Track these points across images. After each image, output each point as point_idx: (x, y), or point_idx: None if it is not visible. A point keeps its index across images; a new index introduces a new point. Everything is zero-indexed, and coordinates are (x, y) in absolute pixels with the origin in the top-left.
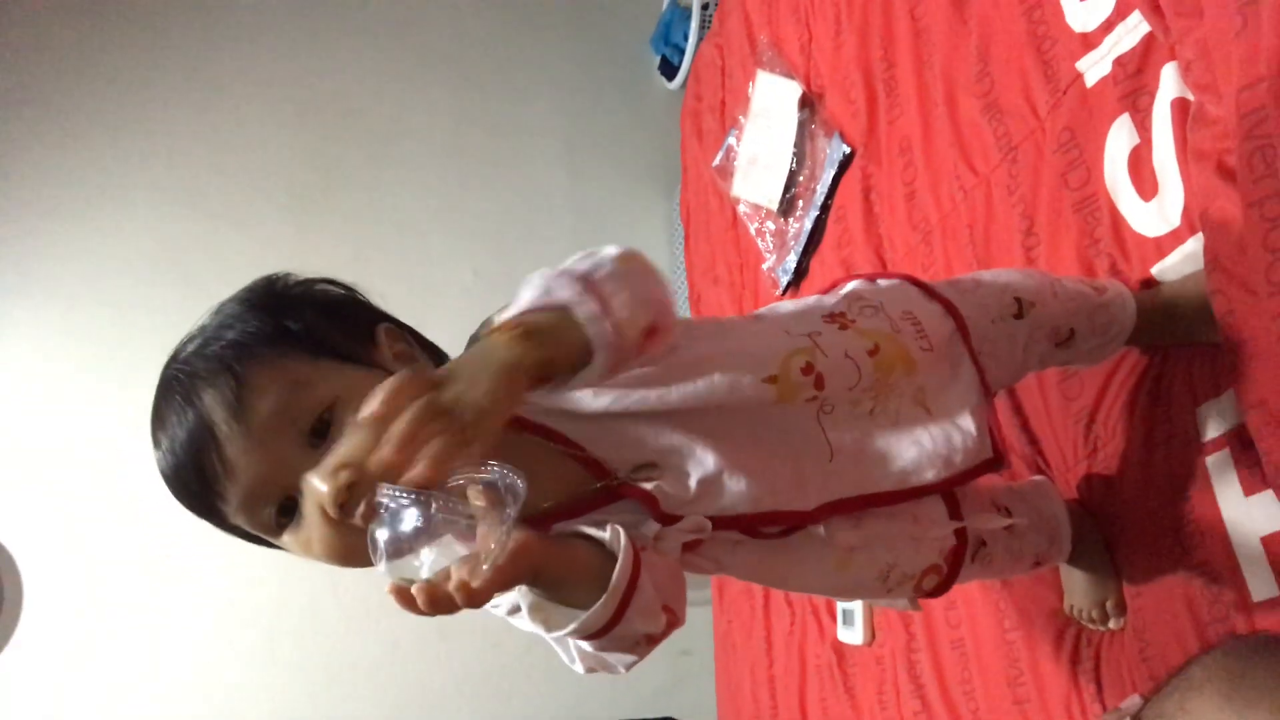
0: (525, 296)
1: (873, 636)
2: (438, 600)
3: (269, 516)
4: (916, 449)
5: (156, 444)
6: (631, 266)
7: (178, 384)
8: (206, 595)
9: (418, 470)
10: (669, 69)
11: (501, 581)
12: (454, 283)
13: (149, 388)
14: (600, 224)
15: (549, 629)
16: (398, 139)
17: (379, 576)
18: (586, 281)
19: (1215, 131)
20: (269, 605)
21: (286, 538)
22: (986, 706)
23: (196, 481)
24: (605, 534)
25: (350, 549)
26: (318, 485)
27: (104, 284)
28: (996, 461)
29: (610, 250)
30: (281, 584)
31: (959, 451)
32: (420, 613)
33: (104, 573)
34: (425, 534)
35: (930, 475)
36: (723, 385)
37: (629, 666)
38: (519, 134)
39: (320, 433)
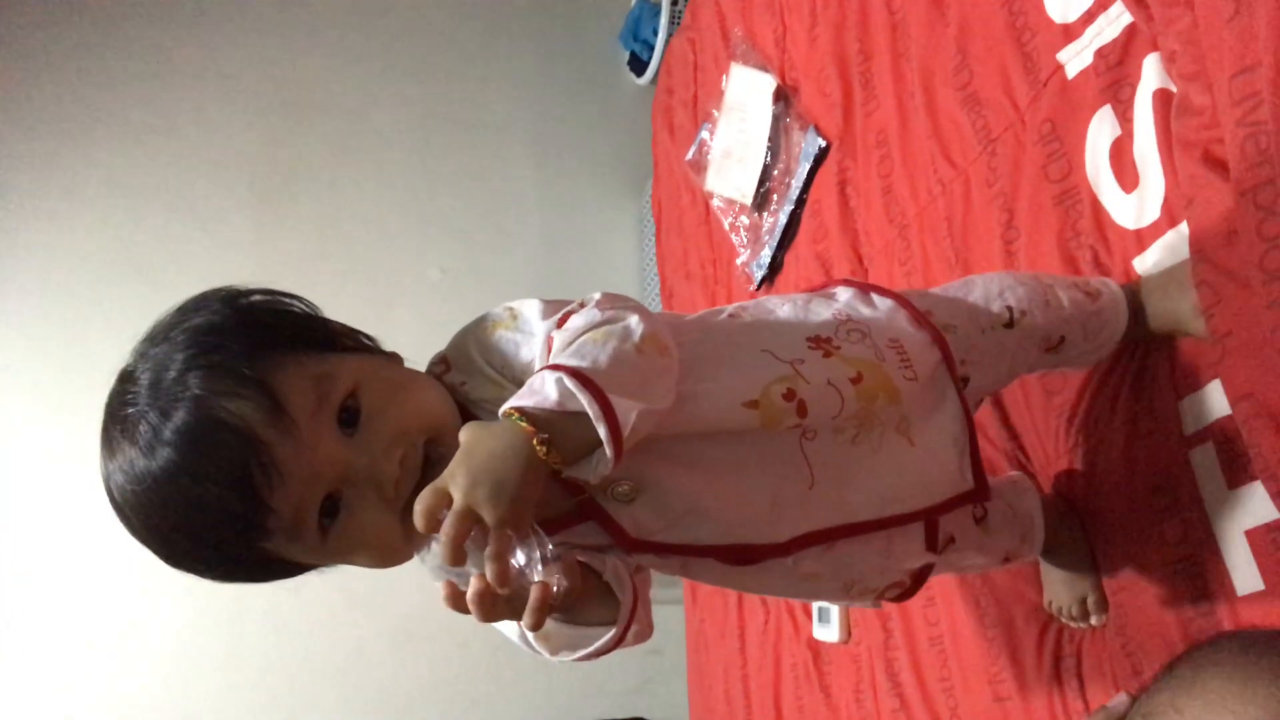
0: (550, 395)
1: (849, 635)
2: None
3: (315, 519)
4: (897, 478)
5: (158, 490)
6: (647, 359)
7: (186, 410)
8: (167, 598)
9: (490, 574)
10: (638, 65)
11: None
12: (420, 280)
13: (105, 384)
14: (569, 221)
15: (553, 653)
16: (362, 133)
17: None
18: (606, 399)
19: (1201, 121)
20: (230, 608)
21: (331, 541)
22: (966, 704)
23: (240, 501)
24: (605, 569)
25: (401, 536)
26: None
27: (58, 278)
28: (977, 493)
29: (633, 327)
30: (242, 588)
31: (938, 482)
32: (460, 606)
33: (58, 582)
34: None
35: (910, 505)
36: (705, 413)
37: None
38: (486, 130)
39: (348, 422)
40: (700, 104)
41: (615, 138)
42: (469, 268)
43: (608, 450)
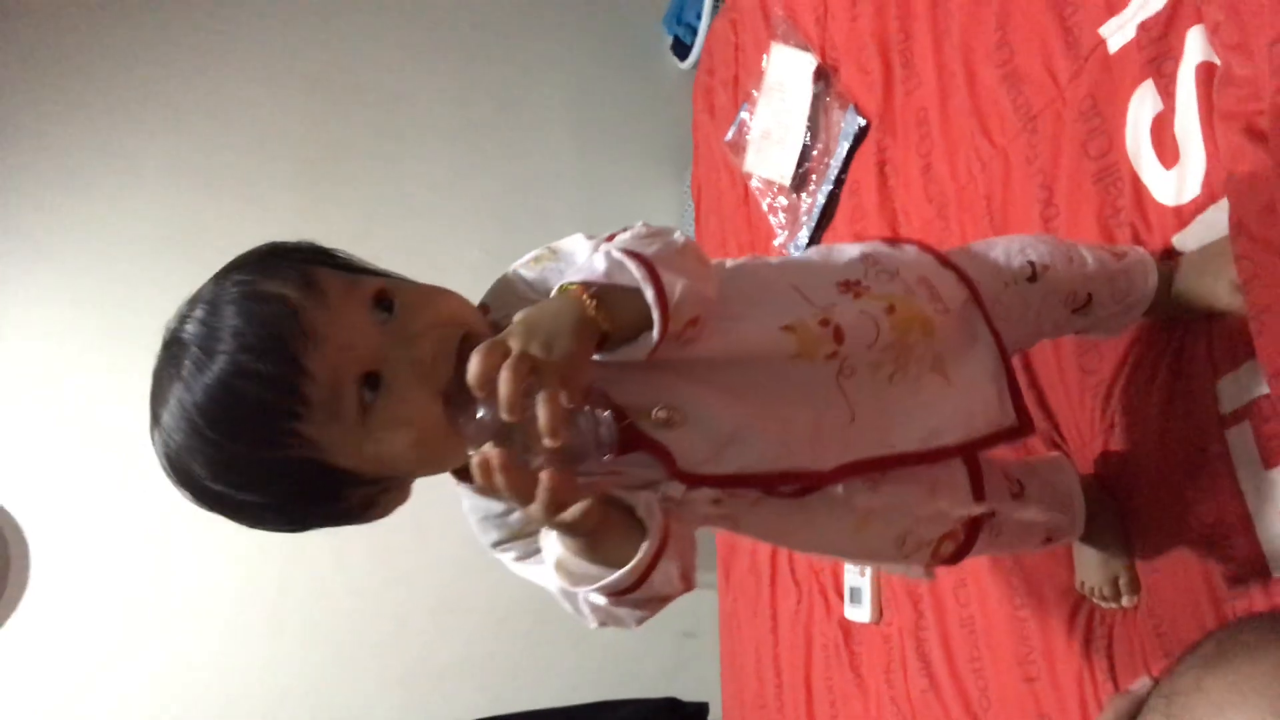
0: (598, 267)
1: (880, 615)
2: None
3: (354, 394)
4: (936, 413)
5: (201, 369)
6: (690, 259)
7: (229, 300)
8: (213, 572)
9: (542, 420)
10: (681, 49)
11: (572, 516)
12: (462, 260)
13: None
14: (610, 204)
15: (573, 584)
16: (406, 114)
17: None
18: (653, 268)
19: (1244, 92)
20: (275, 582)
21: (372, 419)
22: (996, 685)
23: (279, 362)
24: (638, 503)
25: (443, 422)
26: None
27: (111, 256)
28: (1021, 429)
29: (676, 238)
30: (288, 560)
31: (979, 415)
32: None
33: (110, 550)
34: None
35: (951, 439)
36: (744, 335)
37: (639, 622)
38: (529, 112)
39: (384, 308)
40: (740, 84)
41: (658, 122)
42: (510, 248)
43: (654, 316)
